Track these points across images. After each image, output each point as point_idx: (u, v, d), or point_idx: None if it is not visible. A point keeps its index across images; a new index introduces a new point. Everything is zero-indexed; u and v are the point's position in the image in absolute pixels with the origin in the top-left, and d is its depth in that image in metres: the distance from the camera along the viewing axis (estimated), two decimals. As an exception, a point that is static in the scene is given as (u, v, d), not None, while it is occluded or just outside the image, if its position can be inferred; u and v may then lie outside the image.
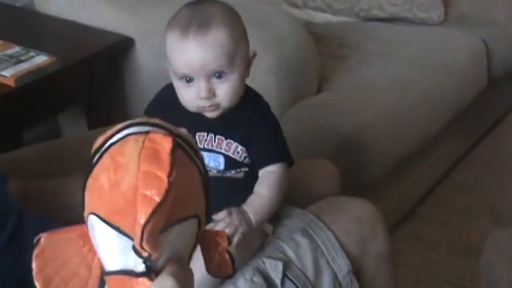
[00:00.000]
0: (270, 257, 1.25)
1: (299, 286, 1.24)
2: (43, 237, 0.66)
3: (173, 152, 0.59)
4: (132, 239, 0.59)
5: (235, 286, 1.20)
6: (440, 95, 2.29)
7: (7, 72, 1.81)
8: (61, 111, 2.27)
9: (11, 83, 1.80)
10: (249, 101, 1.24)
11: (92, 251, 0.65)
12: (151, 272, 0.61)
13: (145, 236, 0.57)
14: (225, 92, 1.18)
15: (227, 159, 1.22)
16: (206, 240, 0.70)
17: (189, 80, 1.18)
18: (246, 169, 1.24)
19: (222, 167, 1.22)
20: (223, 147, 1.22)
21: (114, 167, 0.60)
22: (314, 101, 2.03)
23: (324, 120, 1.95)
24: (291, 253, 1.27)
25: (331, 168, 1.57)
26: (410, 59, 2.35)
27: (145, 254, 0.59)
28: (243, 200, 1.22)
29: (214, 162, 1.21)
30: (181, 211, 0.62)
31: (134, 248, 0.59)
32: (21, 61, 1.87)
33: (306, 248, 1.28)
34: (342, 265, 1.30)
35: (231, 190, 1.23)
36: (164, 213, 0.59)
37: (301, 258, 1.27)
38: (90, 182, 0.62)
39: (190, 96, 1.18)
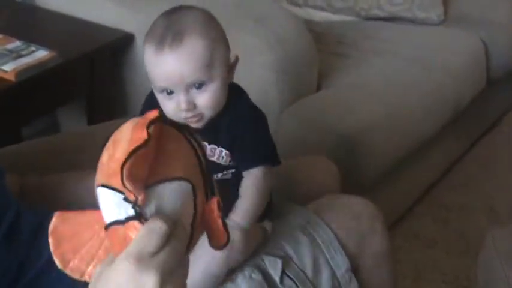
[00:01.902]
0: (269, 254, 1.25)
1: (298, 283, 1.24)
2: (55, 216, 0.73)
3: (158, 118, 0.67)
4: (125, 192, 0.66)
5: (234, 283, 1.20)
6: (439, 94, 2.29)
7: (7, 67, 1.81)
8: (61, 106, 2.28)
9: (12, 77, 1.80)
10: (231, 103, 1.21)
11: None
12: (141, 217, 0.67)
13: (125, 173, 0.64)
14: (205, 101, 1.15)
15: (212, 164, 1.17)
16: (205, 212, 0.74)
17: (169, 92, 1.15)
18: (233, 170, 1.22)
19: None
20: (207, 153, 1.19)
21: (112, 144, 0.68)
22: (313, 100, 2.04)
23: (322, 118, 1.96)
24: (290, 250, 1.27)
25: (331, 166, 1.57)
26: (410, 58, 2.36)
27: (131, 197, 0.66)
28: (234, 199, 1.20)
29: None
30: (168, 171, 0.69)
31: (125, 199, 0.66)
32: (21, 56, 1.87)
33: (305, 246, 1.28)
34: (341, 263, 1.30)
35: (220, 191, 1.22)
36: (144, 158, 0.66)
37: (300, 256, 1.27)
38: (100, 161, 0.69)
39: (172, 109, 1.16)
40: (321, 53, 2.19)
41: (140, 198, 0.66)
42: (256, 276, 1.20)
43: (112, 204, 0.68)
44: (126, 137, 0.66)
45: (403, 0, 2.63)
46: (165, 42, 1.14)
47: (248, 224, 1.18)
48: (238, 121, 1.20)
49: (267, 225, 1.29)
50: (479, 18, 2.69)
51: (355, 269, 1.33)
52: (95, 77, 2.09)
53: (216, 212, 0.74)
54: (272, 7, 2.20)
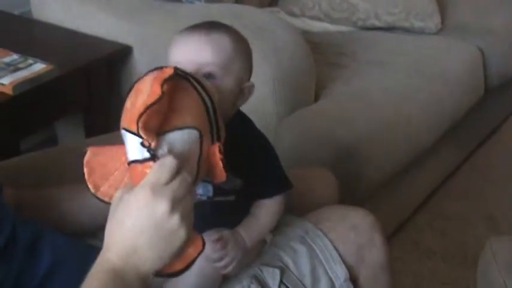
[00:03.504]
0: (267, 265, 1.25)
1: (296, 294, 1.24)
2: (89, 150, 0.91)
3: (173, 75, 0.83)
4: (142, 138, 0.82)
5: (232, 293, 1.21)
6: (437, 103, 2.29)
7: (5, 80, 1.81)
8: (59, 119, 2.27)
9: (9, 90, 1.80)
10: (239, 128, 1.18)
11: None
12: (155, 157, 0.84)
13: (140, 124, 0.80)
14: None
15: (216, 187, 1.18)
16: (209, 153, 0.91)
17: None
18: (237, 192, 1.23)
19: (211, 194, 1.19)
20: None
21: (135, 92, 0.84)
22: (311, 110, 2.04)
23: (320, 129, 1.95)
24: (288, 261, 1.27)
25: (331, 178, 1.57)
26: (407, 68, 2.36)
27: (146, 143, 0.83)
28: (236, 219, 1.21)
29: (203, 189, 1.18)
30: (180, 121, 0.86)
31: (142, 144, 0.83)
32: (19, 69, 1.87)
33: (303, 256, 1.28)
34: (340, 273, 1.30)
35: (223, 213, 1.22)
36: (157, 112, 0.82)
37: (298, 266, 1.27)
38: (124, 107, 0.86)
39: None
40: (319, 63, 2.19)
41: (153, 143, 0.83)
42: (255, 286, 1.20)
43: (133, 145, 0.84)
44: (146, 88, 0.82)
45: (400, 10, 2.64)
46: (199, 28, 1.16)
47: (251, 244, 1.20)
48: (250, 150, 1.20)
49: (267, 236, 1.29)
50: (476, 27, 2.70)
51: (353, 280, 1.33)
52: (92, 89, 2.09)
53: (217, 155, 0.91)
54: (269, 18, 2.20)
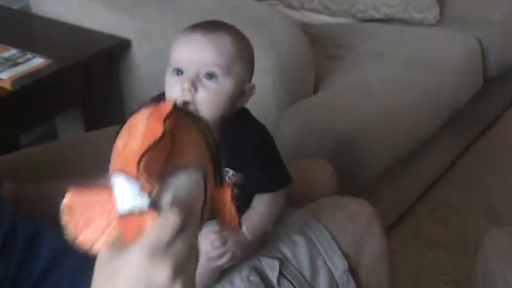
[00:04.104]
0: (266, 256, 1.25)
1: (295, 285, 1.24)
2: (70, 191, 0.75)
3: (173, 110, 0.69)
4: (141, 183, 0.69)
5: (231, 284, 1.21)
6: (436, 94, 2.29)
7: (3, 75, 1.81)
8: (58, 113, 2.27)
9: (8, 85, 1.80)
10: (239, 124, 1.21)
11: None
12: (155, 207, 0.69)
13: (141, 166, 0.66)
14: (207, 94, 1.13)
15: None
16: (215, 198, 0.77)
17: (179, 73, 1.14)
18: (238, 187, 1.22)
19: None
20: None
21: (128, 130, 0.70)
22: (310, 102, 2.04)
23: (320, 120, 1.96)
24: (287, 252, 1.27)
25: (330, 169, 1.57)
26: (406, 59, 2.36)
27: (146, 188, 0.68)
28: (239, 214, 1.21)
29: None
30: (181, 160, 0.72)
31: (141, 189, 0.68)
32: (17, 64, 1.87)
33: (302, 247, 1.29)
34: (338, 264, 1.30)
35: None
36: (160, 151, 0.69)
37: (297, 257, 1.27)
38: (114, 147, 0.71)
39: (175, 90, 1.14)
40: (318, 55, 2.19)
41: (155, 189, 0.69)
42: (254, 277, 1.21)
43: (128, 192, 0.69)
44: (141, 127, 0.69)
45: (399, 1, 2.63)
46: (201, 27, 1.16)
47: (252, 237, 1.20)
48: (251, 146, 1.20)
49: (268, 228, 1.29)
50: (474, 17, 2.70)
51: (353, 270, 1.33)
52: (91, 83, 2.09)
53: (229, 200, 0.77)
54: (268, 11, 2.20)
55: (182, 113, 0.75)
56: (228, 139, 1.17)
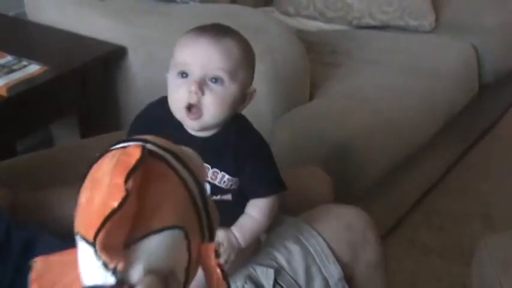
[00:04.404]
0: (261, 265, 1.25)
1: (291, 293, 1.24)
2: (39, 261, 0.65)
3: (140, 161, 0.59)
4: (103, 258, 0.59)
5: (227, 294, 1.20)
6: (431, 101, 2.30)
7: (-1, 82, 1.82)
8: (54, 120, 2.27)
9: (3, 92, 1.80)
10: (236, 128, 1.21)
11: None
12: (123, 283, 0.59)
13: (98, 244, 0.56)
14: (214, 97, 1.14)
15: (213, 186, 1.19)
16: (200, 255, 0.67)
17: (185, 76, 1.15)
18: (233, 192, 1.23)
19: (208, 193, 1.19)
20: (209, 176, 1.19)
21: (91, 183, 0.61)
22: (306, 109, 2.04)
23: (315, 127, 1.96)
24: (282, 260, 1.27)
25: (325, 177, 1.57)
26: (402, 66, 2.36)
27: (110, 266, 0.58)
28: (233, 218, 1.21)
29: None
30: (156, 221, 0.61)
31: (104, 265, 0.58)
32: (13, 70, 1.87)
33: (297, 255, 1.28)
34: (334, 272, 1.30)
35: (220, 211, 1.22)
36: (123, 221, 0.58)
37: (292, 266, 1.27)
38: (78, 201, 0.62)
39: (180, 92, 1.14)
40: (314, 62, 2.19)
41: (121, 265, 0.59)
42: (249, 286, 1.21)
43: (91, 264, 0.59)
44: (105, 182, 0.59)
45: (394, 8, 2.64)
46: (209, 31, 1.16)
47: (245, 243, 1.19)
48: (246, 150, 1.20)
49: (262, 235, 1.29)
50: (470, 24, 2.70)
51: (348, 278, 1.33)
52: (87, 90, 2.09)
53: (213, 260, 0.66)
54: (264, 17, 2.21)
55: (156, 159, 0.63)
56: (226, 143, 1.19)
